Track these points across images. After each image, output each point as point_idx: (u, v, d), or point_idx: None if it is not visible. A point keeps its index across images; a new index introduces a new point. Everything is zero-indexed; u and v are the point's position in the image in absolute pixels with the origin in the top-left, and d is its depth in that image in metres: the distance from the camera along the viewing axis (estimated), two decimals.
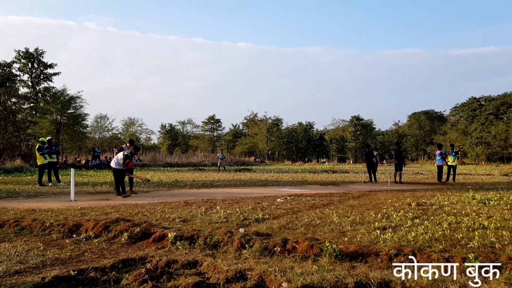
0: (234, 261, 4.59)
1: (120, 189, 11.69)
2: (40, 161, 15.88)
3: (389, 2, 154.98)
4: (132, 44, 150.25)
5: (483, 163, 59.17)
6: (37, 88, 44.25)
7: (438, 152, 19.35)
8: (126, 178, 12.30)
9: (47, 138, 17.24)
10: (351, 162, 69.41)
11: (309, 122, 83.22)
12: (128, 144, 13.21)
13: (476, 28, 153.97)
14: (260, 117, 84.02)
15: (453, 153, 19.35)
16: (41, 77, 44.53)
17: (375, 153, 19.66)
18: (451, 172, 19.03)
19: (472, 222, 6.69)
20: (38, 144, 16.48)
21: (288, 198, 10.89)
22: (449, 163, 19.12)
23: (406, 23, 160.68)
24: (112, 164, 11.94)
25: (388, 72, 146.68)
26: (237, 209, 8.53)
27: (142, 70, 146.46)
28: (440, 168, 19.20)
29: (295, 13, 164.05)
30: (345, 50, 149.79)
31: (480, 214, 7.66)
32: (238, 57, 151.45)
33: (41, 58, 43.99)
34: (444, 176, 19.23)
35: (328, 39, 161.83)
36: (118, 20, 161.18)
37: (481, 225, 6.49)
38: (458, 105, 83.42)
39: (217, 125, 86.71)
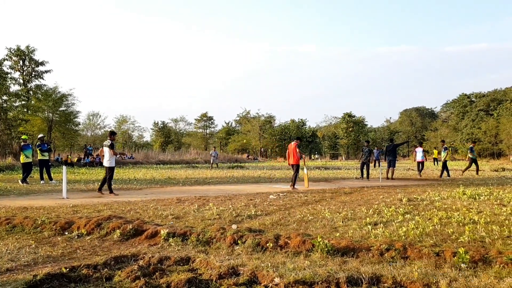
0: (227, 257, 4.61)
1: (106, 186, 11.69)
2: (21, 159, 15.78)
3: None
4: (125, 40, 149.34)
5: None
6: (29, 86, 43.85)
7: (421, 148, 20.34)
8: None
9: (39, 136, 17.16)
10: (343, 158, 69.63)
11: (301, 119, 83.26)
12: (296, 141, 13.61)
13: (469, 25, 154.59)
14: (253, 114, 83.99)
15: (444, 149, 19.83)
16: (33, 75, 44.14)
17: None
18: (439, 167, 19.58)
19: (463, 217, 6.75)
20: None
21: (281, 194, 10.92)
22: (442, 159, 19.61)
23: (399, 20, 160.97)
24: (107, 163, 11.78)
25: (380, 69, 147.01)
26: (230, 206, 8.55)
27: (135, 66, 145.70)
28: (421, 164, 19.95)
29: (289, 11, 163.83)
30: (338, 47, 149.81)
31: (471, 209, 7.74)
32: (232, 54, 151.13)
33: (32, 55, 43.60)
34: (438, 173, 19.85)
35: (322, 36, 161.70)
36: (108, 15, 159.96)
37: (472, 220, 6.56)
38: (449, 102, 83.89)
39: (210, 122, 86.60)
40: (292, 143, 13.83)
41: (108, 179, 11.63)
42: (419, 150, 20.64)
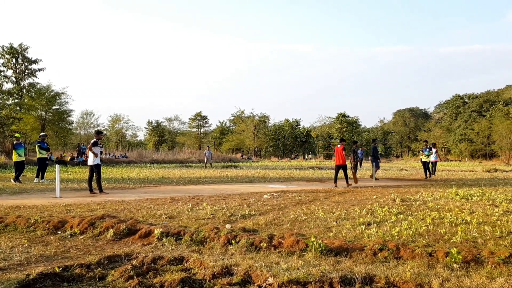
0: (221, 257, 4.61)
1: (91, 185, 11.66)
2: (14, 157, 15.67)
3: (380, 0, 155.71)
4: (120, 39, 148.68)
5: (466, 160, 60.06)
6: (22, 84, 43.58)
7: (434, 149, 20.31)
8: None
9: (41, 134, 17.14)
10: None
11: (295, 119, 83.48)
12: (342, 144, 14.83)
13: (463, 27, 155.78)
14: (247, 114, 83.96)
15: (427, 149, 19.91)
16: (26, 73, 43.87)
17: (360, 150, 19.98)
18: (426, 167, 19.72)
19: (455, 218, 6.79)
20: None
21: (275, 194, 10.93)
22: (423, 160, 19.72)
23: (398, 21, 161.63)
24: (92, 162, 11.71)
25: (375, 69, 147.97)
26: (224, 206, 8.54)
27: (129, 65, 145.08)
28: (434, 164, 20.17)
29: (287, 10, 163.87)
30: (336, 47, 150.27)
31: (463, 210, 7.78)
32: (228, 53, 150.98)
33: (25, 53, 43.33)
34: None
35: (320, 36, 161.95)
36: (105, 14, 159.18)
37: (464, 221, 6.60)
38: (442, 103, 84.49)
39: (204, 121, 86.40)
40: (339, 145, 14.80)
41: (97, 178, 11.58)
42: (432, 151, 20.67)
